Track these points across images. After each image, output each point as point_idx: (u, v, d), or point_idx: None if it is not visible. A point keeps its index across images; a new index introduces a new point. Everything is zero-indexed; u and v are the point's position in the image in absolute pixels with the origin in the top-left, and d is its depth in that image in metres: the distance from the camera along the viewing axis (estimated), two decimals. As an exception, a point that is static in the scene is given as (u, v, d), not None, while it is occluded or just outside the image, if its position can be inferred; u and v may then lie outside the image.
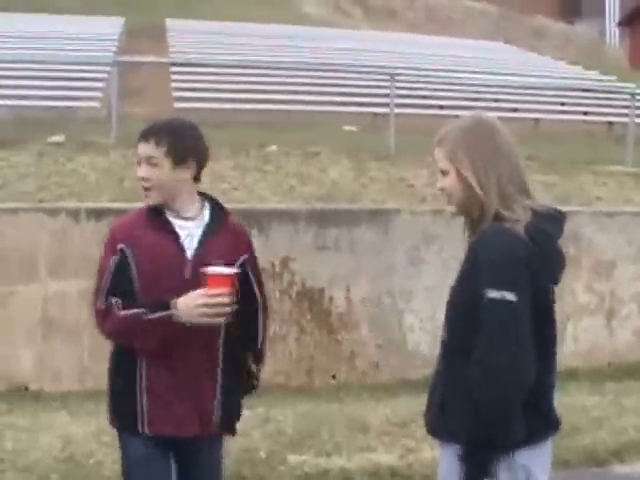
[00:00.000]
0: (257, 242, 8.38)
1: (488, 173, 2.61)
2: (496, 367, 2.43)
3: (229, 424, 3.43)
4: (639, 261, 9.48)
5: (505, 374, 2.43)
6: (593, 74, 21.19)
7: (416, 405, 7.58)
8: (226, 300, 3.09)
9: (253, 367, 3.49)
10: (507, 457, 2.49)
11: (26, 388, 7.88)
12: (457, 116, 2.82)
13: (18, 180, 9.32)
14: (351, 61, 18.04)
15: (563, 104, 17.61)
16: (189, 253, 3.24)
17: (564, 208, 10.28)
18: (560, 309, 9.50)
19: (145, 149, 3.24)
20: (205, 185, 11.28)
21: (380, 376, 8.49)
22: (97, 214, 7.99)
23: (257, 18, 23.38)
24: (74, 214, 8.04)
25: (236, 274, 3.16)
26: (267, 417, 6.68)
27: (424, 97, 16.12)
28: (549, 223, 2.63)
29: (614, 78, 20.37)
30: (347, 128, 14.38)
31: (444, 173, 2.69)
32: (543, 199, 10.56)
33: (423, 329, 8.53)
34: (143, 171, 3.25)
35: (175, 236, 3.25)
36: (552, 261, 2.62)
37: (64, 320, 7.88)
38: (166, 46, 18.18)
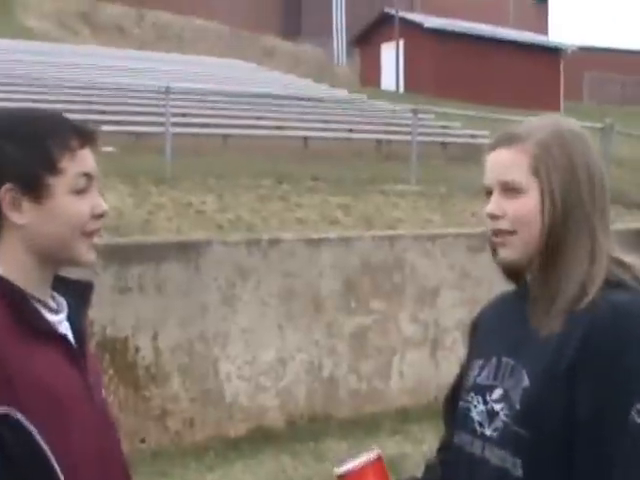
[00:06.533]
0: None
1: (595, 207, 1.66)
2: None
3: None
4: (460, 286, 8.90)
5: None
6: (324, 87, 22.87)
7: (246, 471, 6.50)
8: None
9: None
10: None
11: None
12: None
13: None
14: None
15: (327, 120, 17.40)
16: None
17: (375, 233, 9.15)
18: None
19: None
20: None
21: (196, 435, 7.31)
22: None
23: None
24: None
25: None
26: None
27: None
28: None
29: (346, 91, 22.36)
30: (105, 149, 13.03)
31: (516, 191, 1.66)
32: (345, 221, 9.44)
33: (241, 377, 7.44)
34: None
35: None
36: None
37: None
38: None
